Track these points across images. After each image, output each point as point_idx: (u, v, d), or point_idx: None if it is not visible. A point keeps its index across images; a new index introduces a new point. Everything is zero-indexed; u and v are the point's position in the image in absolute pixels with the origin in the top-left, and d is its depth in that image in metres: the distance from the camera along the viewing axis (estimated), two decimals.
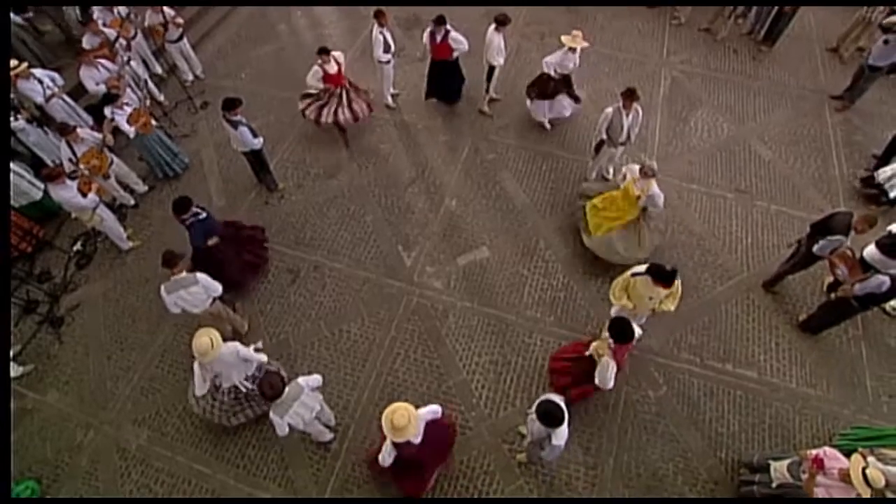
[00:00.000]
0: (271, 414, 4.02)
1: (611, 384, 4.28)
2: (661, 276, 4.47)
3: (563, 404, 3.77)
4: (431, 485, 4.70)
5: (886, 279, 4.68)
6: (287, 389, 4.01)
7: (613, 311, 5.27)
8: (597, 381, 4.34)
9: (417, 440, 3.79)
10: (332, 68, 6.65)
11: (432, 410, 4.03)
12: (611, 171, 6.84)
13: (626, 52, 8.60)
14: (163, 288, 4.81)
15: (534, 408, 3.84)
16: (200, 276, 4.81)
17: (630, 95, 5.67)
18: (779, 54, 8.46)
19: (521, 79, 8.09)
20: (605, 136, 6.11)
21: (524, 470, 4.90)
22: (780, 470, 4.31)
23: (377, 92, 7.75)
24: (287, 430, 4.10)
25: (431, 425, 4.00)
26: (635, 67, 8.35)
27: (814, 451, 4.06)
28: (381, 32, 6.79)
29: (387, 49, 6.96)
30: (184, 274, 4.75)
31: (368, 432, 5.13)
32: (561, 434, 3.77)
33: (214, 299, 5.03)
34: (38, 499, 4.89)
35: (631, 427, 5.10)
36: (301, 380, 4.15)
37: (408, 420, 3.67)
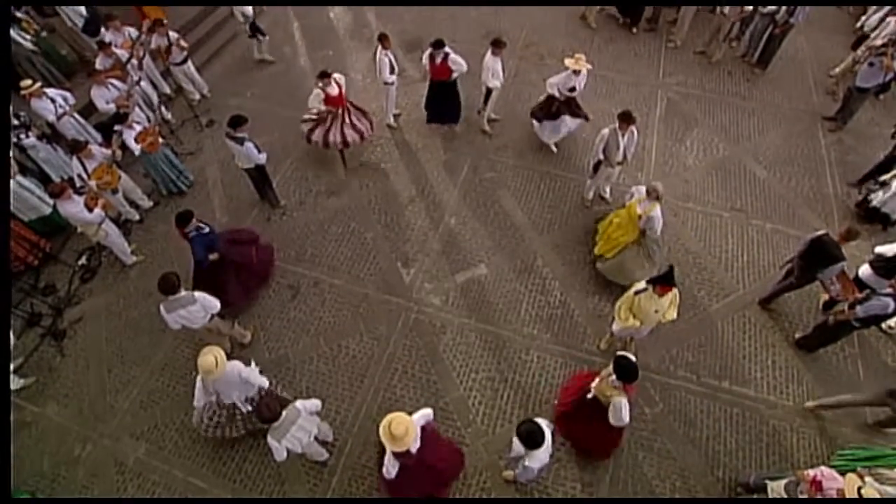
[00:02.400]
0: (269, 438, 3.99)
1: (626, 421, 4.22)
2: (661, 279, 4.54)
3: (547, 429, 3.79)
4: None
5: (891, 302, 4.67)
6: (284, 413, 3.99)
7: (616, 328, 5.29)
8: (612, 421, 4.26)
9: (416, 447, 3.80)
10: (334, 90, 6.81)
11: (424, 415, 4.07)
12: (608, 190, 6.95)
13: (622, 73, 8.79)
14: (162, 307, 4.87)
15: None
16: (198, 294, 4.87)
17: (626, 118, 5.81)
18: (772, 76, 8.64)
19: (520, 100, 8.30)
20: (601, 157, 6.23)
21: (519, 487, 4.89)
22: (777, 490, 4.30)
23: (378, 111, 7.94)
24: (285, 454, 4.06)
25: (429, 435, 4.03)
26: (632, 89, 8.54)
27: (811, 472, 4.06)
28: (385, 55, 6.99)
29: (392, 70, 7.16)
30: (182, 293, 4.81)
31: (366, 448, 5.13)
32: (536, 457, 3.78)
33: (212, 316, 5.09)
34: (41, 498, 4.88)
35: (627, 444, 5.08)
36: (299, 403, 4.12)
37: (405, 430, 3.68)
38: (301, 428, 4.12)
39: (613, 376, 4.14)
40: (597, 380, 4.47)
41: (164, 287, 4.73)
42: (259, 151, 6.24)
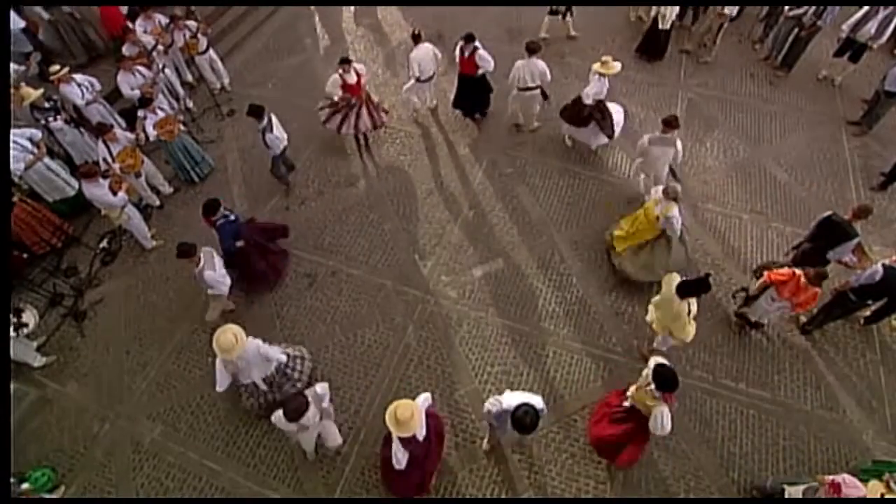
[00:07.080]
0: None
1: (668, 430, 4.05)
2: (683, 288, 4.57)
3: (540, 406, 3.86)
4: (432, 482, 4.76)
5: (879, 268, 4.90)
6: (308, 416, 4.07)
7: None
8: (654, 431, 4.08)
9: (422, 434, 3.82)
10: (352, 78, 6.80)
11: (425, 398, 4.14)
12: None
13: (644, 73, 8.74)
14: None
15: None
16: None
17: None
18: (795, 80, 8.53)
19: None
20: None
21: (533, 482, 4.89)
22: (795, 495, 4.26)
23: (398, 105, 7.98)
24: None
25: (429, 419, 4.08)
26: (653, 89, 8.48)
27: (831, 477, 4.01)
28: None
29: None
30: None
31: (379, 437, 5.13)
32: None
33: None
34: (39, 498, 4.83)
35: None
36: (311, 412, 4.14)
37: (411, 414, 3.71)
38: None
39: (652, 385, 4.02)
40: (632, 388, 4.38)
41: (182, 252, 5.00)
42: None
